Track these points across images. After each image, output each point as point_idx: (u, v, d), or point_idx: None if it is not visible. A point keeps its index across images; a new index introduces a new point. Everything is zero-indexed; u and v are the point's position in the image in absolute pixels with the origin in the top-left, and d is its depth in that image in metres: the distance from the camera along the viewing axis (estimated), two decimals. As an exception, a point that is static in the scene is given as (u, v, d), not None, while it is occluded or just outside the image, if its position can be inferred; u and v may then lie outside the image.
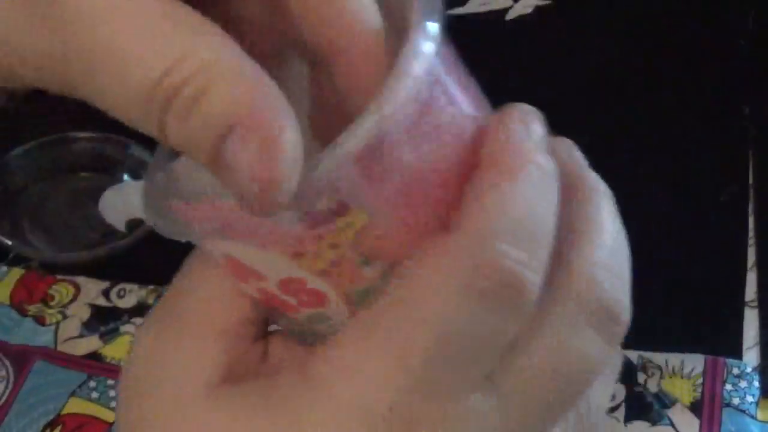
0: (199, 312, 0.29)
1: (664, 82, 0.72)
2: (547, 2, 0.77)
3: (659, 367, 0.59)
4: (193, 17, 0.24)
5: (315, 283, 0.28)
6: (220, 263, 0.29)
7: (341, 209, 0.26)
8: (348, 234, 0.26)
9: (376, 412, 0.26)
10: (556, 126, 0.29)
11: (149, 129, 0.24)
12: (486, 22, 0.76)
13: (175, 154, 0.30)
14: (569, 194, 0.29)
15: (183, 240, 0.28)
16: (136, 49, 0.23)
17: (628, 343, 0.60)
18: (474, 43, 0.76)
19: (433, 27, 0.27)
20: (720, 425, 0.57)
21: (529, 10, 0.77)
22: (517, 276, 0.26)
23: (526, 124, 0.28)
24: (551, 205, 0.27)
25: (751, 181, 0.67)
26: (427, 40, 0.26)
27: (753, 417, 0.57)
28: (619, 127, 0.71)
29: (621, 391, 0.58)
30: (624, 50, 0.74)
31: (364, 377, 0.26)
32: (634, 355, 0.60)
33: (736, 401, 0.58)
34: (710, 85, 0.72)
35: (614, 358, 0.31)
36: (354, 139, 0.25)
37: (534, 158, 0.27)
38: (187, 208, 0.27)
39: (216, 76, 0.23)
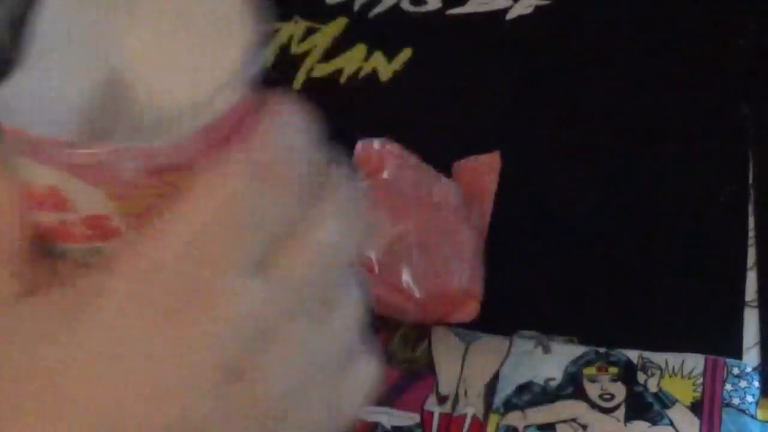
0: None
1: (664, 81, 0.72)
2: (547, 2, 0.77)
3: (659, 367, 0.59)
4: None
5: (120, 222, 0.29)
6: (21, 189, 0.30)
7: (178, 167, 0.28)
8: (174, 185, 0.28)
9: (153, 295, 0.28)
10: (557, 125, 0.29)
11: None
12: (486, 22, 0.76)
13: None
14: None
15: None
16: None
17: (628, 342, 0.60)
18: (474, 43, 0.76)
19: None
20: (720, 425, 0.57)
21: (529, 10, 0.76)
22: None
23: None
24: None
25: (751, 180, 0.67)
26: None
27: (753, 417, 0.57)
28: (618, 126, 0.71)
29: (621, 391, 0.58)
30: (624, 50, 0.74)
31: (141, 262, 0.28)
32: (634, 355, 0.60)
33: (736, 401, 0.58)
34: (710, 85, 0.72)
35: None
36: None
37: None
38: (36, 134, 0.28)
39: None
